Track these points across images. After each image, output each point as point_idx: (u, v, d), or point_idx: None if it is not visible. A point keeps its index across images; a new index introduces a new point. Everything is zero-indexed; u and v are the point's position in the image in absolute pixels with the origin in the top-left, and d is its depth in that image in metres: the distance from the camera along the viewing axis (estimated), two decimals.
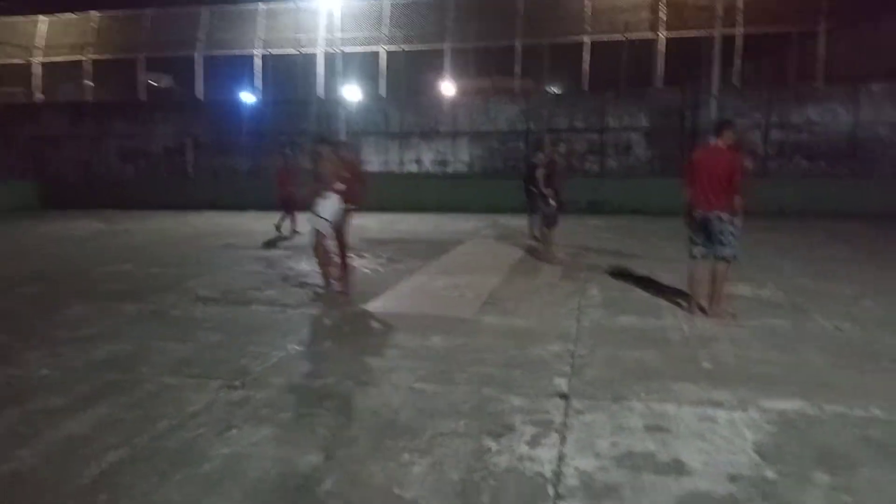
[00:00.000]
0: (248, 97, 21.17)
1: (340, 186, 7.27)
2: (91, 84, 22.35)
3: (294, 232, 12.79)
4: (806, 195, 16.37)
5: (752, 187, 6.34)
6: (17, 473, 3.31)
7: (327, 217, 7.21)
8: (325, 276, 7.54)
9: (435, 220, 14.77)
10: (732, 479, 3.16)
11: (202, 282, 8.34)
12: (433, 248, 11.04)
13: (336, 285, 7.50)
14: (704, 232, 6.26)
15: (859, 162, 17.25)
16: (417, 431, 3.74)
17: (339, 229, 7.50)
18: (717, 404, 4.10)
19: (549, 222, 9.87)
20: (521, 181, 12.18)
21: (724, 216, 6.12)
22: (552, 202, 9.61)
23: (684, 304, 6.71)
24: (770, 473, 3.21)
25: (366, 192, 8.01)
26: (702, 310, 6.38)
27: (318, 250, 7.42)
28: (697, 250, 6.38)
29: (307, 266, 9.50)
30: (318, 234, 7.31)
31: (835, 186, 16.59)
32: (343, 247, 7.63)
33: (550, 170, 9.73)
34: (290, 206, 12.78)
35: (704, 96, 17.45)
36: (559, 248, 10.30)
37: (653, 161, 18.30)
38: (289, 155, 13.45)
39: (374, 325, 6.19)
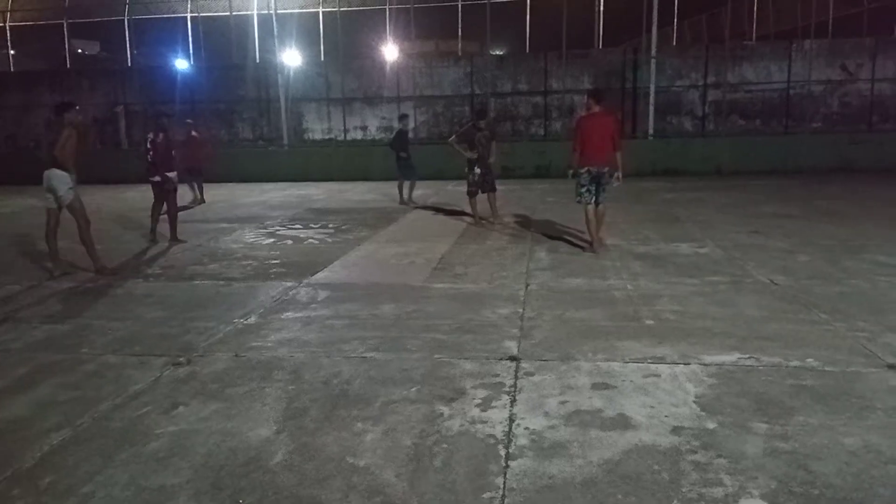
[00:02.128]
0: (181, 63, 20.38)
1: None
2: (13, 53, 21.12)
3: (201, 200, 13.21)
4: (742, 154, 16.84)
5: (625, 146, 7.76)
6: None
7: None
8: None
9: (382, 188, 14.62)
10: (675, 430, 3.27)
11: (142, 258, 8.09)
12: (382, 217, 10.96)
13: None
14: (595, 184, 7.43)
15: (793, 119, 17.82)
16: (369, 400, 3.74)
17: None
18: (660, 360, 4.23)
19: (474, 191, 9.82)
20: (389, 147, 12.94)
21: (609, 170, 7.38)
22: (477, 169, 9.64)
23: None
24: (711, 424, 3.33)
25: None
26: (589, 244, 7.73)
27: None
28: (587, 198, 7.51)
29: (251, 238, 9.32)
30: None
31: (769, 144, 17.11)
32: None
33: (469, 136, 9.71)
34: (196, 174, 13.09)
35: (644, 57, 17.65)
36: (503, 215, 10.39)
37: None
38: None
39: (324, 295, 6.13)
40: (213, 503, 2.77)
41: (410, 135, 18.44)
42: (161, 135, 8.96)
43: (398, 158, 12.65)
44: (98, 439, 3.35)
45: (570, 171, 7.62)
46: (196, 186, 13.24)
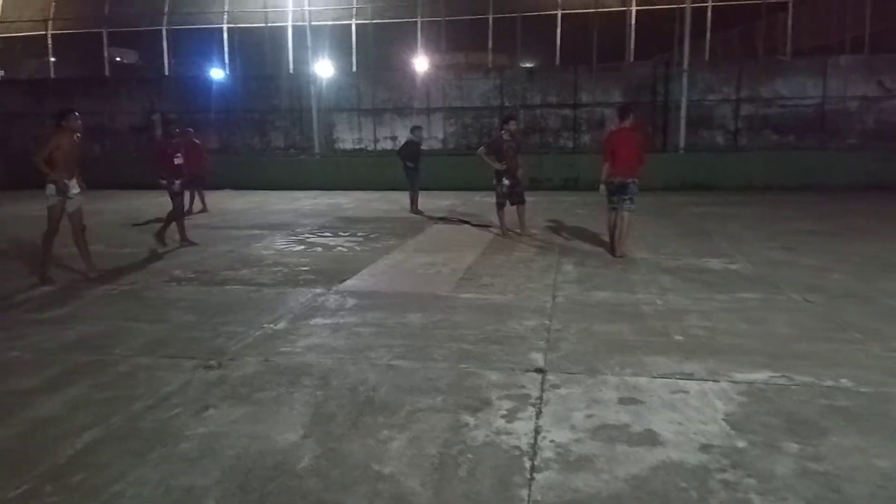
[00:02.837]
0: (216, 73, 20.74)
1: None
2: (53, 60, 21.70)
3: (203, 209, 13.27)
4: (775, 169, 16.58)
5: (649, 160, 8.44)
6: None
7: None
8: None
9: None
10: (704, 448, 3.23)
11: (175, 262, 8.23)
12: (409, 227, 11.01)
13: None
14: (620, 193, 7.93)
15: (827, 135, 17.52)
16: (395, 408, 3.76)
17: None
18: (689, 376, 4.18)
19: (502, 202, 9.80)
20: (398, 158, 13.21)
21: (636, 181, 7.90)
22: (505, 180, 9.61)
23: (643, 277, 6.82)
24: (740, 443, 3.29)
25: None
26: (611, 252, 8.21)
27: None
28: (615, 204, 8.06)
29: (282, 245, 9.44)
30: None
31: (803, 159, 16.83)
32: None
33: (497, 147, 9.63)
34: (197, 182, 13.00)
35: (676, 70, 17.52)
36: (530, 227, 10.37)
37: None
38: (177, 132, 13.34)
39: (352, 302, 6.18)
40: None
41: (439, 145, 18.57)
42: (164, 140, 9.21)
43: (405, 167, 12.88)
44: (129, 439, 3.41)
45: (602, 185, 8.09)
46: (198, 194, 13.26)
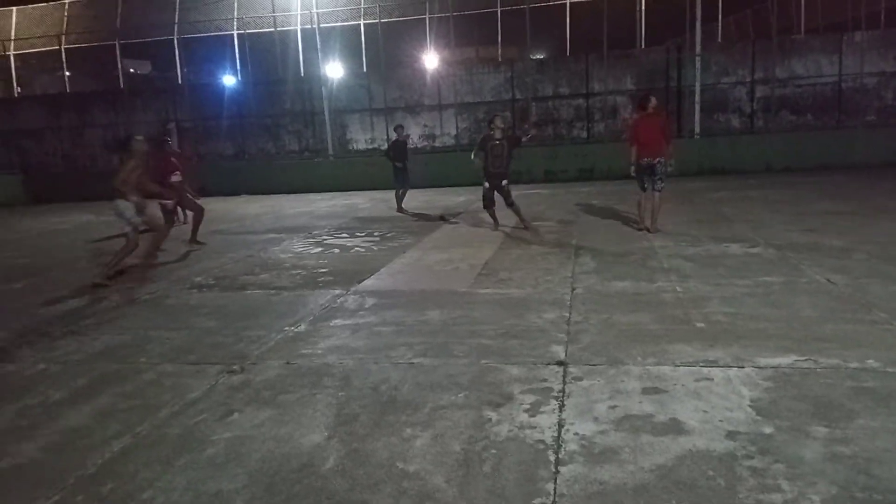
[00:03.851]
0: (228, 80, 20.91)
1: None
2: (68, 74, 21.99)
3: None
4: (793, 150, 16.39)
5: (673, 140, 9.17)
6: (19, 467, 3.33)
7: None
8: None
9: (425, 196, 14.73)
10: (730, 435, 3.20)
11: (195, 269, 8.31)
12: (425, 225, 11.02)
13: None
14: (649, 174, 8.70)
15: (845, 113, 17.26)
16: (418, 405, 3.76)
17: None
18: (713, 363, 4.15)
19: (486, 204, 9.94)
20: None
21: (663, 161, 8.62)
22: (486, 183, 9.71)
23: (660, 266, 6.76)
24: (768, 429, 3.25)
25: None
26: (646, 228, 8.84)
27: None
28: (644, 186, 8.84)
29: (299, 248, 9.49)
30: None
31: (821, 139, 16.60)
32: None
33: (482, 145, 9.55)
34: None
35: (689, 55, 17.35)
36: (531, 221, 10.32)
37: None
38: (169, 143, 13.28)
39: (371, 302, 6.20)
40: None
41: (452, 142, 18.56)
42: (155, 152, 9.49)
43: (394, 168, 12.93)
44: (157, 446, 3.45)
45: (632, 168, 8.83)
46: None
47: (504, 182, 9.63)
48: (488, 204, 9.86)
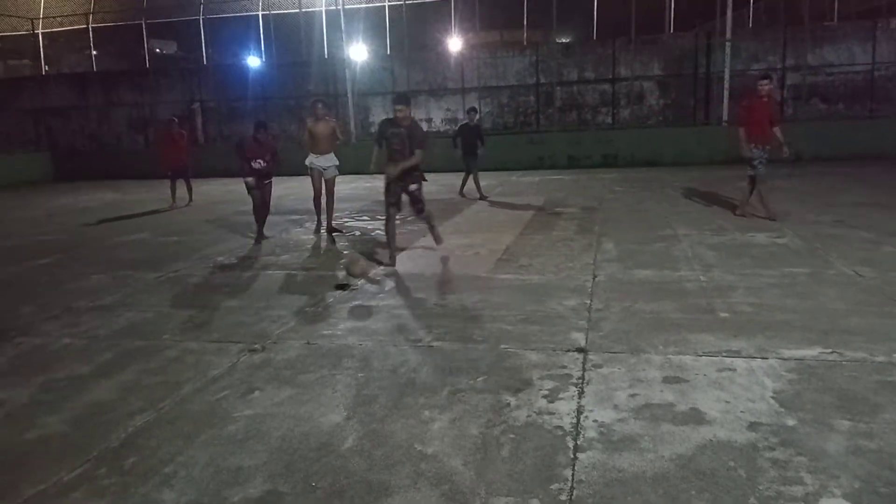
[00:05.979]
0: (253, 60, 20.94)
1: None
2: (95, 53, 22.18)
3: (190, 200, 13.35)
4: (823, 139, 16.04)
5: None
6: (45, 439, 3.39)
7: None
8: None
9: (446, 180, 14.66)
10: (752, 426, 3.17)
11: (218, 249, 8.38)
12: (447, 209, 11.00)
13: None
14: (758, 158, 8.46)
15: (878, 102, 16.86)
16: (436, 388, 3.77)
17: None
18: (736, 353, 4.10)
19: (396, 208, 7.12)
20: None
21: (766, 147, 8.46)
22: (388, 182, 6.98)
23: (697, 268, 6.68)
24: (790, 421, 3.21)
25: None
26: (743, 214, 8.90)
27: None
28: (760, 171, 8.56)
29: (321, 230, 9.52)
30: None
31: (853, 129, 16.23)
32: None
33: (380, 133, 6.91)
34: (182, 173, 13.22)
35: (718, 41, 17.03)
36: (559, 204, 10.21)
37: (666, 110, 17.99)
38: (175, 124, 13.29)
39: (391, 285, 6.21)
40: (287, 485, 2.85)
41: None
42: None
43: (465, 155, 12.20)
44: (179, 422, 3.50)
45: (745, 150, 8.56)
46: (185, 185, 13.24)
47: (403, 185, 6.97)
48: (390, 216, 7.08)
